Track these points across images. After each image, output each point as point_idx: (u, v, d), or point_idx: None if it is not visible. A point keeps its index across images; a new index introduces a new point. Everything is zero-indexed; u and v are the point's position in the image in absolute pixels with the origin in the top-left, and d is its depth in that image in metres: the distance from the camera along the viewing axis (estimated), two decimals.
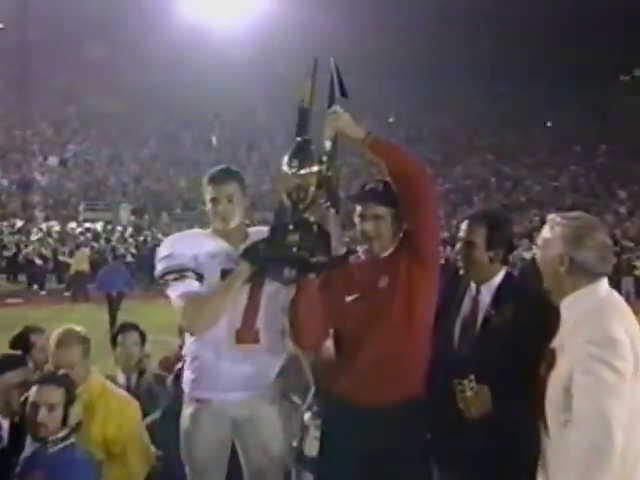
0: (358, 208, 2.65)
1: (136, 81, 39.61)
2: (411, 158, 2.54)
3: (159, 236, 20.61)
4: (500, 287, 2.71)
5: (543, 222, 2.46)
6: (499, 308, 2.65)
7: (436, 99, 40.74)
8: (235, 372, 2.68)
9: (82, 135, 35.32)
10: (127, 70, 39.81)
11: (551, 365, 2.30)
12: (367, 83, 41.80)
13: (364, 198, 2.64)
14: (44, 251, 19.89)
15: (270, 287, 2.73)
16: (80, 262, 17.35)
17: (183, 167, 32.54)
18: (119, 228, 25.43)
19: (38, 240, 21.15)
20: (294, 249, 2.50)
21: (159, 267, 2.70)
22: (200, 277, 2.65)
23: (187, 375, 2.81)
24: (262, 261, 2.58)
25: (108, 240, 22.11)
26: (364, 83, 41.69)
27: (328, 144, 2.55)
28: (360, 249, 2.78)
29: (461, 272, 2.78)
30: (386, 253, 2.66)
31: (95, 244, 21.11)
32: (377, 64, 39.47)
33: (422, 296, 2.61)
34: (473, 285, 2.75)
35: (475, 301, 2.72)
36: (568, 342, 2.25)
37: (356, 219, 2.66)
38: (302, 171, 2.50)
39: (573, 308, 2.30)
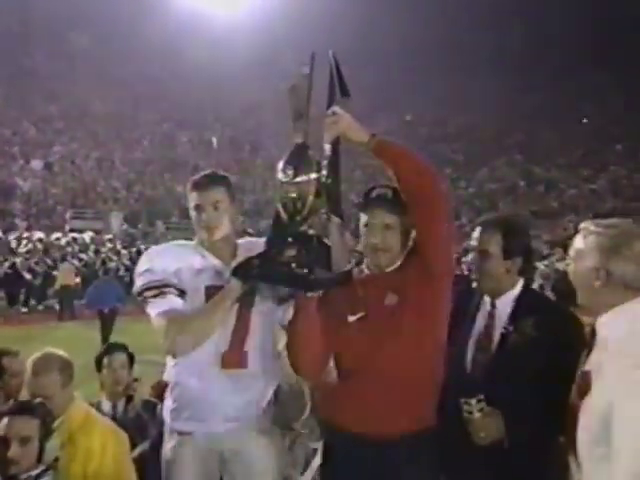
0: (364, 217, 2.65)
1: (128, 75, 39.90)
2: (422, 162, 2.53)
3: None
4: (518, 300, 2.71)
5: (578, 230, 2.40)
6: (517, 324, 2.64)
7: (459, 94, 40.74)
8: (221, 401, 2.66)
9: (68, 135, 35.57)
10: (118, 62, 40.12)
11: (585, 390, 2.22)
12: (381, 78, 41.99)
13: (371, 206, 2.63)
14: (33, 265, 19.73)
15: (262, 306, 2.73)
16: (66, 276, 17.46)
17: (180, 171, 32.68)
18: (109, 238, 25.53)
19: (27, 252, 21.06)
20: (291, 265, 2.49)
21: (138, 282, 2.70)
22: (182, 294, 2.66)
23: (168, 403, 2.79)
24: (255, 279, 2.58)
25: (97, 252, 22.19)
26: (378, 78, 41.92)
27: (328, 148, 2.54)
28: (364, 262, 2.75)
29: (474, 284, 2.78)
30: (393, 267, 2.65)
31: (83, 256, 21.15)
32: (392, 56, 39.53)
33: (434, 314, 2.61)
34: (488, 299, 2.76)
35: (490, 316, 2.72)
36: (608, 365, 2.17)
37: (362, 229, 2.66)
38: (298, 179, 2.48)
39: (613, 326, 2.22)
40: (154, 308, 2.64)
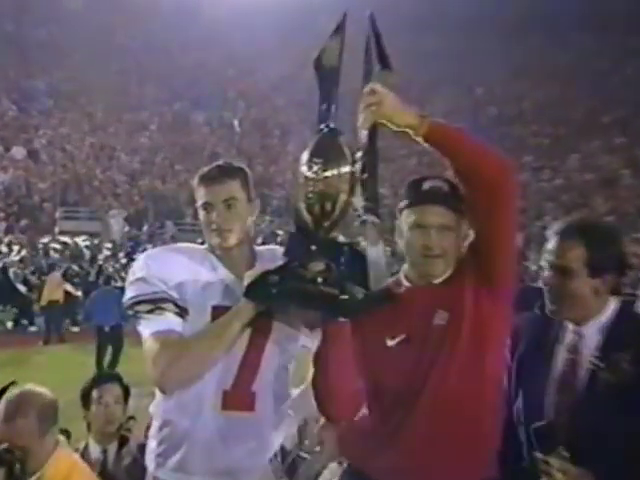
0: (410, 215, 2.65)
1: (130, 42, 40.43)
2: (487, 151, 2.54)
3: None
4: (610, 328, 2.67)
5: None
6: (610, 358, 2.60)
7: (540, 61, 40.37)
8: (218, 449, 2.65)
9: (57, 117, 36.12)
10: (119, 29, 40.67)
11: None
12: (444, 45, 41.84)
13: (423, 201, 2.64)
14: (30, 276, 19.95)
15: (280, 334, 2.72)
16: (53, 290, 17.63)
17: (195, 160, 32.95)
18: (108, 242, 25.85)
19: (21, 260, 21.29)
20: (319, 282, 2.49)
21: (129, 293, 2.71)
22: (183, 312, 2.66)
23: (152, 445, 2.77)
24: (273, 299, 2.55)
25: (93, 259, 22.45)
26: (440, 45, 41.76)
27: (364, 135, 2.55)
28: (402, 272, 2.76)
29: (552, 307, 2.74)
30: (443, 278, 2.67)
31: (74, 267, 21.29)
32: (457, 19, 39.37)
33: (494, 337, 2.62)
34: (571, 326, 2.72)
35: (574, 349, 2.69)
36: None
37: (405, 231, 2.67)
38: (327, 173, 2.48)
39: None
40: (147, 327, 2.65)
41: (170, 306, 2.65)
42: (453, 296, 2.61)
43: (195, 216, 29.54)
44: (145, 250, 3.17)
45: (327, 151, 2.50)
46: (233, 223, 2.73)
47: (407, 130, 2.52)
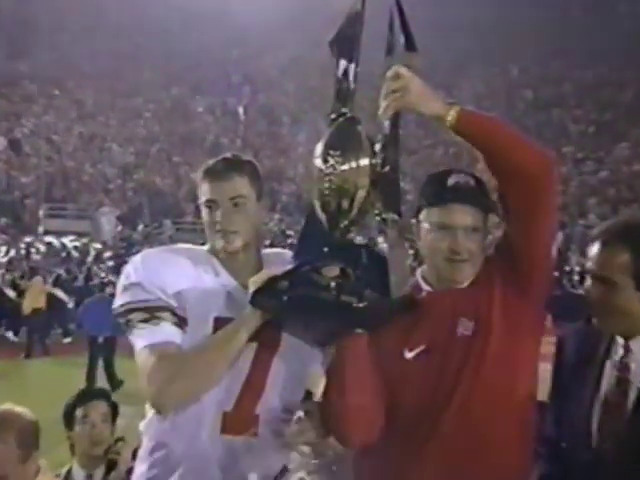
0: (434, 216, 2.63)
1: (124, 21, 40.57)
2: (526, 142, 2.54)
3: None
4: None
5: None
6: None
7: (583, 38, 40.24)
8: (215, 476, 2.63)
9: (42, 104, 36.23)
10: (111, 6, 40.80)
11: None
12: (472, 18, 41.76)
13: (449, 199, 2.62)
14: (19, 280, 19.92)
15: (289, 349, 2.70)
16: (36, 297, 17.70)
17: (195, 152, 33.09)
18: (97, 246, 25.91)
19: (10, 262, 21.36)
20: (332, 289, 2.47)
21: (121, 299, 2.69)
22: (182, 323, 2.65)
23: (141, 469, 2.75)
24: (282, 308, 2.52)
25: (82, 262, 22.51)
26: (468, 18, 41.66)
27: (386, 124, 2.53)
28: (419, 274, 2.76)
29: (596, 321, 2.70)
30: (466, 283, 2.68)
31: (60, 271, 21.33)
32: None
33: (525, 348, 2.64)
34: (620, 340, 2.68)
35: (624, 367, 2.65)
36: None
37: (430, 232, 2.65)
38: (345, 166, 2.46)
39: None
40: (141, 338, 2.63)
41: (167, 315, 2.63)
42: (479, 303, 2.62)
43: (197, 214, 29.65)
44: (140, 252, 3.14)
45: (345, 142, 2.50)
46: (240, 224, 2.71)
47: (435, 118, 2.50)
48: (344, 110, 2.56)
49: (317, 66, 36.30)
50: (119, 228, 28.62)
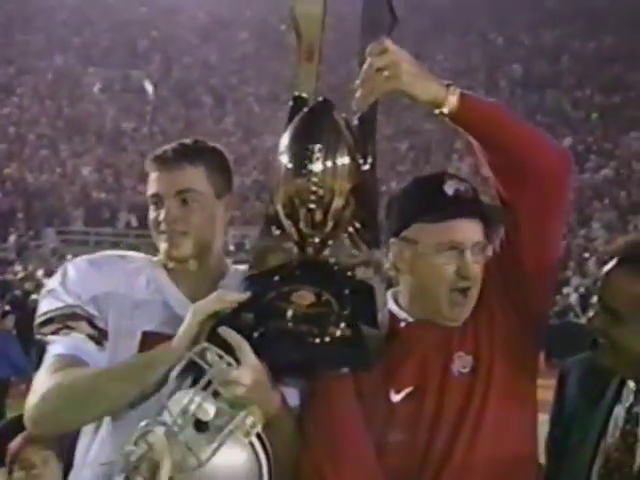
0: (436, 232, 2.68)
1: None
2: (540, 137, 2.65)
3: None
4: None
5: None
6: None
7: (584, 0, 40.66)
8: None
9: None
10: None
11: None
12: None
13: (456, 213, 2.69)
14: None
15: None
16: None
17: (87, 140, 32.85)
18: None
19: None
20: (312, 321, 2.53)
21: (38, 311, 2.83)
22: (101, 336, 2.75)
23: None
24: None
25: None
26: None
27: (363, 111, 2.60)
28: (390, 297, 2.81)
29: (602, 360, 2.74)
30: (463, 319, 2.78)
31: None
32: None
33: (530, 381, 2.78)
34: (631, 384, 2.74)
35: (633, 417, 2.71)
36: None
37: (429, 255, 2.69)
38: (328, 164, 2.52)
39: None
40: (49, 349, 2.75)
41: (82, 325, 2.73)
42: (477, 334, 2.71)
43: (89, 220, 29.40)
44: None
45: (323, 133, 2.54)
46: (189, 224, 2.79)
47: (429, 104, 2.54)
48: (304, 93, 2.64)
49: (248, 28, 36.35)
50: None
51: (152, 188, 2.83)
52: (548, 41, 40.09)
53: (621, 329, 2.61)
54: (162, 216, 2.78)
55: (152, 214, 2.82)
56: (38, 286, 18.85)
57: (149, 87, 36.56)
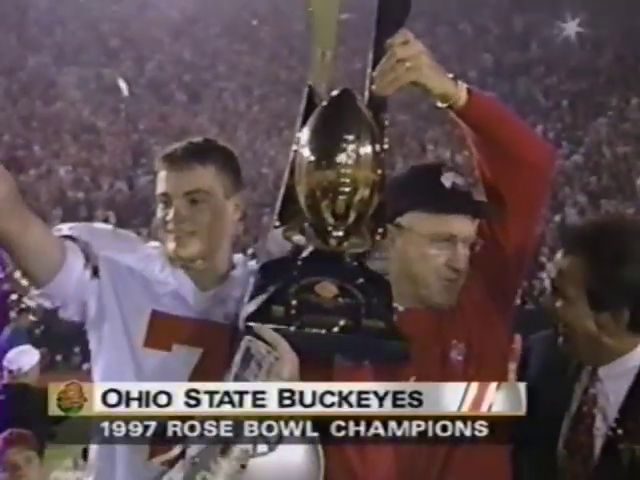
0: (431, 222, 2.77)
1: None
2: (531, 132, 2.83)
3: None
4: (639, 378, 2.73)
5: None
6: (635, 420, 2.68)
7: None
8: None
9: None
10: None
11: None
12: None
13: (453, 208, 2.77)
14: None
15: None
16: None
17: (62, 139, 32.66)
18: None
19: None
20: (347, 313, 2.54)
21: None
22: (90, 264, 2.85)
23: None
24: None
25: None
26: None
27: (378, 100, 2.64)
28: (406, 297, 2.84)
29: (559, 342, 2.81)
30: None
31: None
32: None
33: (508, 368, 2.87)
34: (588, 368, 2.81)
35: (590, 399, 2.76)
36: None
37: (423, 244, 2.77)
38: (361, 154, 2.51)
39: None
40: None
41: (75, 248, 2.85)
42: (465, 320, 2.81)
43: (65, 219, 29.01)
44: None
45: (353, 124, 2.53)
46: (198, 224, 2.84)
47: (440, 98, 2.63)
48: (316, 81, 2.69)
49: (222, 24, 36.18)
50: None
51: (161, 187, 2.88)
52: (517, 29, 39.96)
53: (565, 311, 2.70)
54: (170, 216, 2.84)
55: (160, 213, 2.88)
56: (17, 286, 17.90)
57: (123, 85, 36.38)
